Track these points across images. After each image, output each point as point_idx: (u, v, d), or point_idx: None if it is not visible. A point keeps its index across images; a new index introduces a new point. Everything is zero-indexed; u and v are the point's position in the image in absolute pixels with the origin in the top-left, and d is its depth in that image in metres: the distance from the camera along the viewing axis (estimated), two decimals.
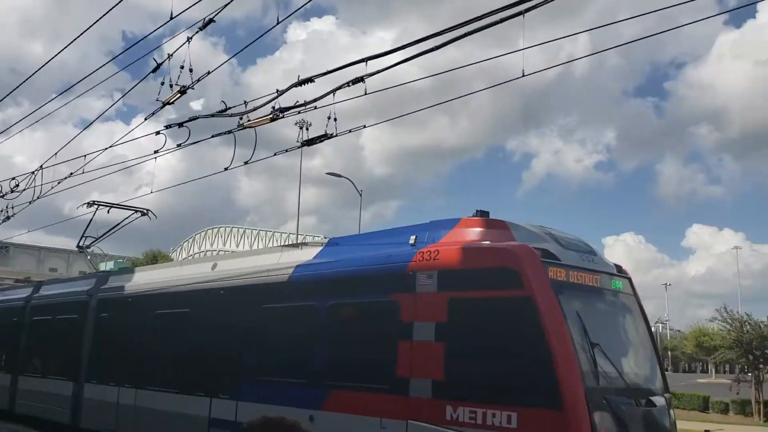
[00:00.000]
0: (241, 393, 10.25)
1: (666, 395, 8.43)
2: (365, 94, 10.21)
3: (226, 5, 9.21)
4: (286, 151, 12.92)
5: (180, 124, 12.41)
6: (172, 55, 10.70)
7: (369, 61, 9.58)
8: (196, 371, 11.39)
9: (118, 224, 17.89)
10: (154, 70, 10.86)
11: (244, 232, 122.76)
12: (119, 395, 12.92)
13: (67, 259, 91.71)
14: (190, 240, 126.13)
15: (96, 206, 17.07)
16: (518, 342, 7.47)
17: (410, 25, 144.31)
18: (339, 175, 39.70)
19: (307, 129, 12.54)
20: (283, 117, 11.29)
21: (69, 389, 14.22)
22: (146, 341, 12.74)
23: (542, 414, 7.00)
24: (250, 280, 10.82)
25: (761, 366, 28.29)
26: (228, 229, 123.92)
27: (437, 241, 8.50)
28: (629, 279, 9.01)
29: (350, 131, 11.98)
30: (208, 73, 10.72)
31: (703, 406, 29.52)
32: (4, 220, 17.75)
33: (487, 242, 8.13)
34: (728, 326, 30.04)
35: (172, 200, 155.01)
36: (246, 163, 12.81)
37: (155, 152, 13.03)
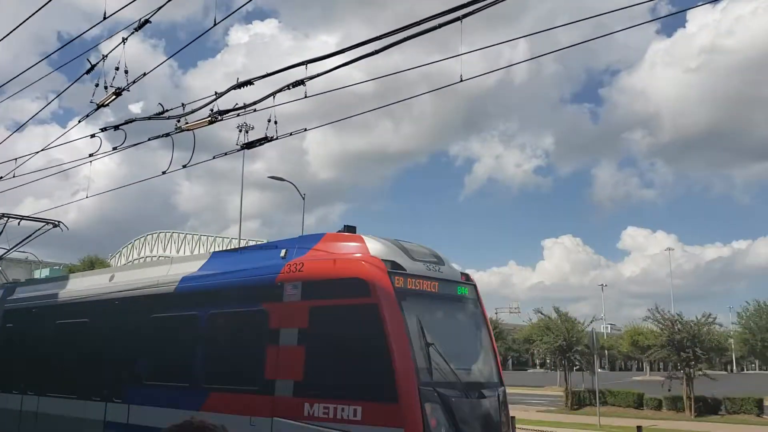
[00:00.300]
0: (132, 397, 10.89)
1: (500, 389, 9.25)
2: (305, 96, 10.21)
3: (161, 6, 9.07)
4: (225, 154, 12.80)
5: (116, 127, 12.13)
6: (106, 56, 10.47)
7: (310, 65, 9.60)
8: (93, 377, 11.89)
9: (29, 236, 18.06)
10: (88, 71, 10.59)
11: (185, 237, 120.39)
12: (22, 403, 13.23)
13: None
14: (129, 246, 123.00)
15: (6, 218, 17.32)
16: (364, 344, 8.34)
17: (353, 30, 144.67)
18: (282, 179, 39.24)
19: (247, 132, 12.44)
20: (221, 120, 11.17)
21: None
22: (49, 350, 13.15)
23: (382, 407, 7.90)
24: (141, 291, 11.50)
25: (692, 363, 29.36)
26: (168, 235, 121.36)
27: (304, 254, 9.33)
28: (474, 285, 9.99)
29: (291, 134, 11.95)
30: (144, 74, 10.53)
31: (638, 402, 30.42)
32: None
33: (344, 255, 9.02)
34: (660, 326, 31.10)
35: (111, 205, 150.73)
36: (185, 166, 12.61)
37: (90, 155, 12.72)
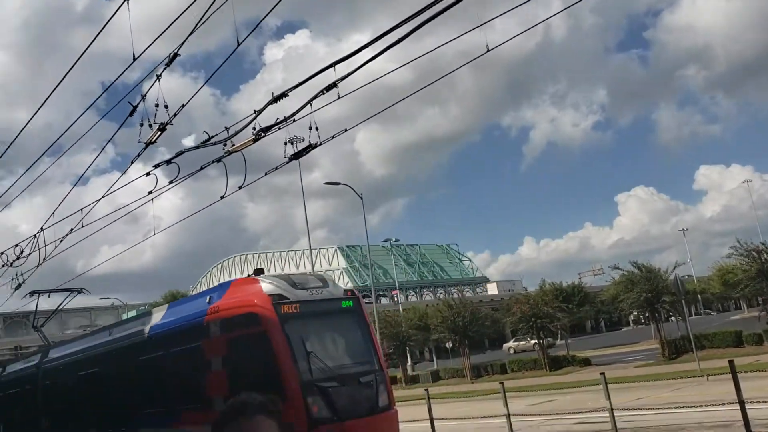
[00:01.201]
0: (132, 425, 13.62)
1: (378, 374, 11.71)
2: (338, 98, 10.37)
3: (184, 41, 9.36)
4: (276, 168, 13.11)
5: (168, 161, 12.53)
6: (145, 95, 10.85)
7: (339, 65, 9.71)
8: (106, 414, 14.64)
9: (59, 306, 20.69)
10: (131, 113, 10.96)
11: (259, 257, 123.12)
12: None
13: (89, 316, 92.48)
14: (208, 274, 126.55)
15: (37, 294, 20.03)
16: (261, 361, 10.88)
17: (382, 24, 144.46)
18: (337, 183, 39.89)
19: (293, 144, 12.65)
20: (265, 136, 11.41)
21: None
22: (76, 397, 15.96)
23: None
24: (129, 342, 14.24)
25: None
26: (243, 258, 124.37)
27: (221, 298, 11.96)
28: (357, 298, 12.60)
29: (333, 137, 12.16)
30: (183, 106, 10.87)
31: (737, 341, 29.39)
32: (15, 289, 17.97)
33: (244, 296, 11.60)
34: (746, 259, 29.94)
35: (183, 239, 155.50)
36: (240, 187, 12.92)
37: (149, 193, 13.18)
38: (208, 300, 12.19)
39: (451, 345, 46.59)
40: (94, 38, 10.59)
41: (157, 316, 14.04)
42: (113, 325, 17.08)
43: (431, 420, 14.26)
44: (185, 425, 12.14)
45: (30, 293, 19.71)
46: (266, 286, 11.56)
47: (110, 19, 9.61)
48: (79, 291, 20.89)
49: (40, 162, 23.52)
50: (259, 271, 12.54)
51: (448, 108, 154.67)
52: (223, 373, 11.47)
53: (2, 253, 16.32)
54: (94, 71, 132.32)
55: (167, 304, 14.80)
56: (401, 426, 19.21)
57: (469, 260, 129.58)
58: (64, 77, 11.30)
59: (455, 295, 46.91)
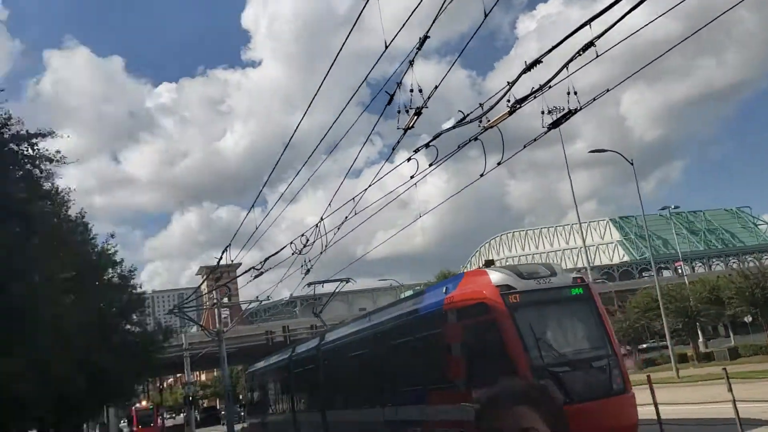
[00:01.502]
0: (391, 402, 15.09)
1: (610, 359, 11.88)
2: (597, 56, 9.65)
3: (434, 21, 9.38)
4: (535, 140, 12.63)
5: (426, 145, 12.77)
6: (400, 82, 11.07)
7: (595, 21, 9.04)
8: (370, 390, 16.34)
9: (333, 293, 24.09)
10: (389, 102, 11.27)
11: (526, 233, 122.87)
12: (343, 416, 18.24)
13: (371, 297, 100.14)
14: (477, 254, 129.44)
15: (314, 285, 22.85)
16: (494, 348, 11.69)
17: None
18: (604, 150, 38.12)
19: (550, 113, 12.12)
20: (520, 107, 11.06)
21: (319, 417, 19.84)
22: (346, 376, 18.18)
23: None
24: (384, 327, 15.85)
25: None
26: (510, 235, 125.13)
27: (455, 289, 13.03)
28: (586, 285, 12.91)
29: (594, 99, 11.39)
30: (435, 87, 10.93)
31: None
32: (305, 274, 19.87)
33: (475, 287, 12.50)
34: None
35: (451, 220, 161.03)
36: (499, 163, 12.73)
37: (411, 177, 13.57)
38: (444, 290, 13.28)
39: (750, 319, 41.99)
40: (347, 37, 11.06)
41: (406, 305, 15.49)
42: (371, 312, 19.03)
43: (734, 402, 12.73)
44: (432, 404, 13.32)
45: (308, 284, 22.37)
46: (494, 277, 12.36)
47: (359, 14, 9.96)
48: (347, 281, 23.56)
49: (318, 159, 25.78)
50: (489, 263, 13.73)
51: (725, 56, 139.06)
52: (460, 359, 12.44)
53: (291, 243, 18.08)
54: (360, 68, 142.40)
55: (415, 293, 16.29)
56: (695, 407, 17.65)
57: (766, 224, 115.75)
58: (325, 77, 12.02)
59: (752, 264, 42.06)
